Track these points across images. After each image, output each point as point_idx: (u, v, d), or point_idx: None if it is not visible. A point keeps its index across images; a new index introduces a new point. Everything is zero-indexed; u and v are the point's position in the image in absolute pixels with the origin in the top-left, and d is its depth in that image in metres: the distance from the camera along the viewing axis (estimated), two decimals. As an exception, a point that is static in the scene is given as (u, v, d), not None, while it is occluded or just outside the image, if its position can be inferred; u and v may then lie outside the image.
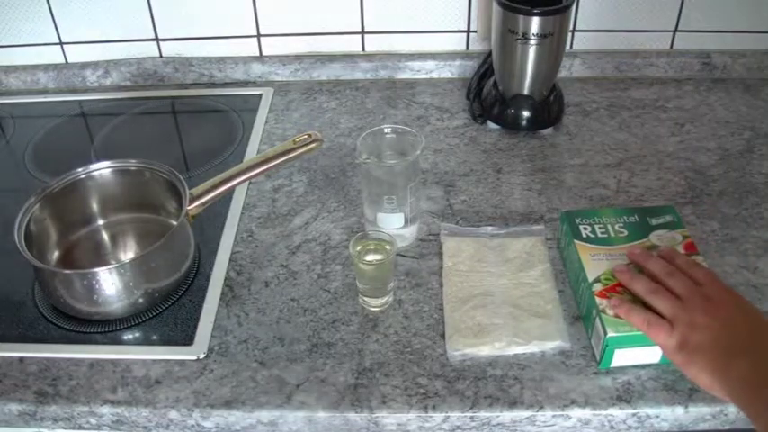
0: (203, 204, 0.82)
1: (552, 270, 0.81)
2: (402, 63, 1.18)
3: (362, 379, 0.71)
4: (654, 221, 0.80)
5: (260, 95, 1.17)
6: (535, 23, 0.94)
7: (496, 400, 0.69)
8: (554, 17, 0.95)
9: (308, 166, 1.00)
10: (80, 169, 0.86)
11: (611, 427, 0.69)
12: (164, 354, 0.75)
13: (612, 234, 0.78)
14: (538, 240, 0.84)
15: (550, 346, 0.73)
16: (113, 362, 0.75)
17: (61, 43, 1.19)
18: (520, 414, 0.68)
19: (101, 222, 0.89)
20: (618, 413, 0.68)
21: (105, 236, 0.89)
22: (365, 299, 0.79)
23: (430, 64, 1.18)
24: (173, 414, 0.70)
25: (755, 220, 0.88)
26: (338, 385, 0.71)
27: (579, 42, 1.17)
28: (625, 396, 0.69)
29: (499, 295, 0.77)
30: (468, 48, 1.19)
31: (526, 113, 1.03)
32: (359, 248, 0.78)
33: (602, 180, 0.96)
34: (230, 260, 0.86)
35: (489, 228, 0.86)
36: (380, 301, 0.78)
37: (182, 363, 0.74)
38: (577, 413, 0.68)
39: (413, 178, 0.81)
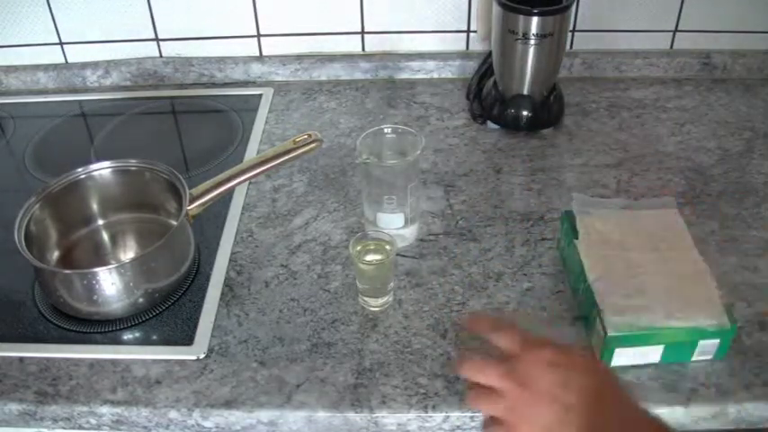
0: (203, 204, 0.82)
1: (691, 240, 0.77)
2: (402, 63, 1.18)
3: (362, 379, 0.71)
4: (654, 221, 0.79)
5: (260, 95, 1.17)
6: (535, 23, 0.94)
7: (496, 400, 0.69)
8: (554, 17, 0.95)
9: (308, 166, 1.00)
10: (80, 169, 0.86)
11: (611, 427, 0.69)
12: (164, 354, 0.75)
13: (613, 234, 0.78)
14: (672, 212, 0.81)
15: (710, 323, 0.69)
16: (113, 362, 0.75)
17: (61, 43, 1.19)
18: (520, 414, 0.68)
19: (101, 222, 0.89)
20: (618, 413, 0.68)
21: (105, 236, 0.89)
22: (365, 299, 0.79)
23: (430, 64, 1.18)
24: (173, 414, 0.70)
25: (755, 220, 0.88)
26: (338, 385, 0.71)
27: (579, 42, 1.17)
28: (625, 396, 0.69)
29: (646, 267, 0.74)
30: (468, 48, 1.19)
31: (526, 113, 1.03)
32: (359, 248, 0.78)
33: (602, 180, 0.95)
34: (230, 260, 0.86)
35: (619, 200, 0.84)
36: (380, 301, 0.78)
37: (182, 363, 0.74)
38: (577, 413, 0.68)
39: (413, 178, 0.81)
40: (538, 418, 0.54)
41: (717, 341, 0.70)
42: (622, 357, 0.70)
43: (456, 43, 1.19)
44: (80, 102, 1.18)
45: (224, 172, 0.83)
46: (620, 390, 0.57)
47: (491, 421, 0.58)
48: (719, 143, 1.02)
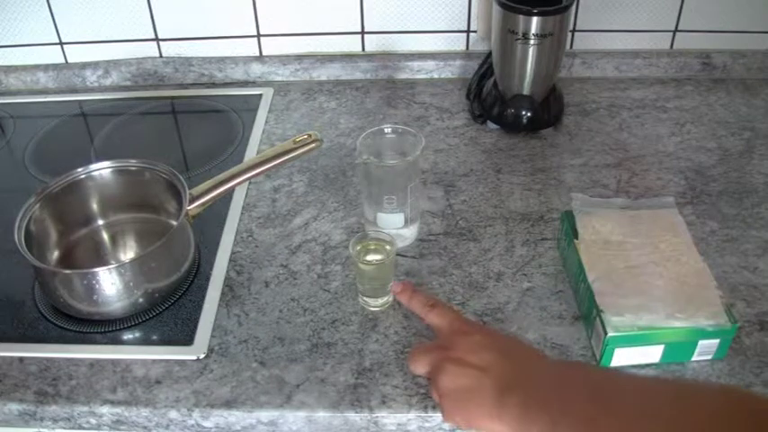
0: (203, 204, 0.82)
1: (692, 240, 0.77)
2: (402, 63, 1.18)
3: (362, 379, 0.71)
4: (654, 221, 0.79)
5: (260, 95, 1.17)
6: (535, 23, 0.94)
7: (496, 400, 0.69)
8: (554, 17, 0.95)
9: (308, 166, 1.00)
10: (80, 169, 0.86)
11: (611, 427, 0.69)
12: (164, 354, 0.75)
13: (613, 234, 0.78)
14: (672, 212, 0.81)
15: (710, 323, 0.68)
16: (113, 362, 0.75)
17: (61, 43, 1.19)
18: (520, 414, 0.68)
19: (101, 222, 0.89)
20: (618, 413, 0.68)
21: (105, 236, 0.89)
22: (365, 299, 0.79)
23: (430, 64, 1.18)
24: (173, 414, 0.70)
25: (755, 220, 0.88)
26: (338, 385, 0.71)
27: (579, 42, 1.17)
28: (625, 396, 0.69)
29: (646, 267, 0.74)
30: (468, 48, 1.19)
31: (526, 113, 1.03)
32: (359, 248, 0.78)
33: (602, 180, 0.96)
34: (230, 260, 0.86)
35: (619, 200, 0.84)
36: (380, 301, 0.78)
37: (182, 363, 0.74)
38: (577, 413, 0.68)
39: (413, 178, 0.81)
40: (459, 382, 0.60)
41: (717, 341, 0.70)
42: (622, 357, 0.70)
43: (456, 43, 1.19)
44: (80, 102, 1.19)
45: (224, 172, 0.83)
46: (530, 347, 0.65)
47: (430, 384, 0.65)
48: (719, 143, 1.02)
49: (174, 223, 0.83)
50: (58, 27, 1.18)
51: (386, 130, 0.84)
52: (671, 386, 0.55)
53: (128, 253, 0.88)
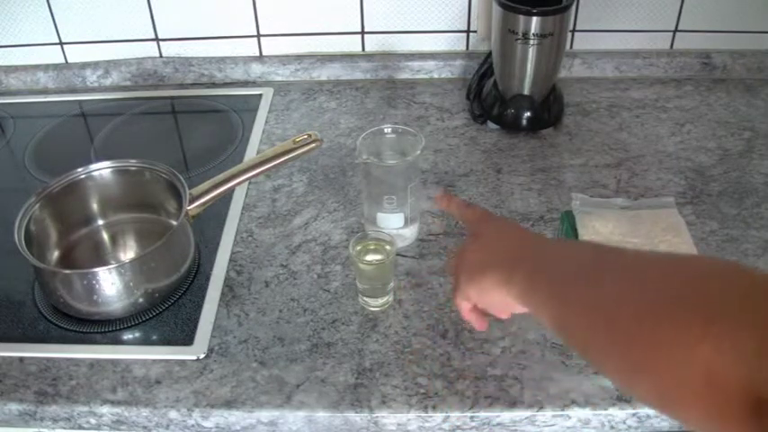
0: (203, 204, 0.82)
1: (692, 240, 0.78)
2: (402, 63, 1.18)
3: (362, 379, 0.71)
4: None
5: (260, 95, 1.17)
6: (535, 23, 0.94)
7: (496, 400, 0.69)
8: (554, 17, 0.95)
9: (308, 166, 1.00)
10: (80, 169, 0.86)
11: (611, 427, 0.69)
12: (164, 354, 0.75)
13: (613, 234, 0.78)
14: (672, 212, 0.81)
15: None
16: (113, 362, 0.75)
17: (61, 43, 1.19)
18: (520, 414, 0.68)
19: (101, 222, 0.89)
20: (618, 413, 0.68)
21: (105, 236, 0.89)
22: (365, 299, 0.79)
23: (430, 64, 1.18)
24: (173, 414, 0.70)
25: (755, 220, 0.88)
26: (338, 385, 0.71)
27: (579, 42, 1.17)
28: (625, 396, 0.69)
29: None
30: (468, 48, 1.19)
31: (526, 113, 1.03)
32: (359, 248, 0.78)
33: (602, 180, 0.96)
34: (230, 260, 0.86)
35: (619, 200, 0.85)
36: (380, 301, 0.78)
37: (182, 363, 0.74)
38: (577, 413, 0.68)
39: (413, 178, 0.81)
40: (478, 257, 0.62)
41: (717, 341, 0.69)
42: (622, 357, 0.70)
43: (456, 43, 1.19)
44: (80, 102, 1.19)
45: (224, 172, 0.83)
46: (546, 237, 0.69)
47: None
48: (719, 143, 1.02)
49: (174, 223, 0.83)
50: (58, 27, 1.18)
51: (386, 130, 0.84)
52: (672, 254, 0.58)
53: (128, 253, 0.88)
